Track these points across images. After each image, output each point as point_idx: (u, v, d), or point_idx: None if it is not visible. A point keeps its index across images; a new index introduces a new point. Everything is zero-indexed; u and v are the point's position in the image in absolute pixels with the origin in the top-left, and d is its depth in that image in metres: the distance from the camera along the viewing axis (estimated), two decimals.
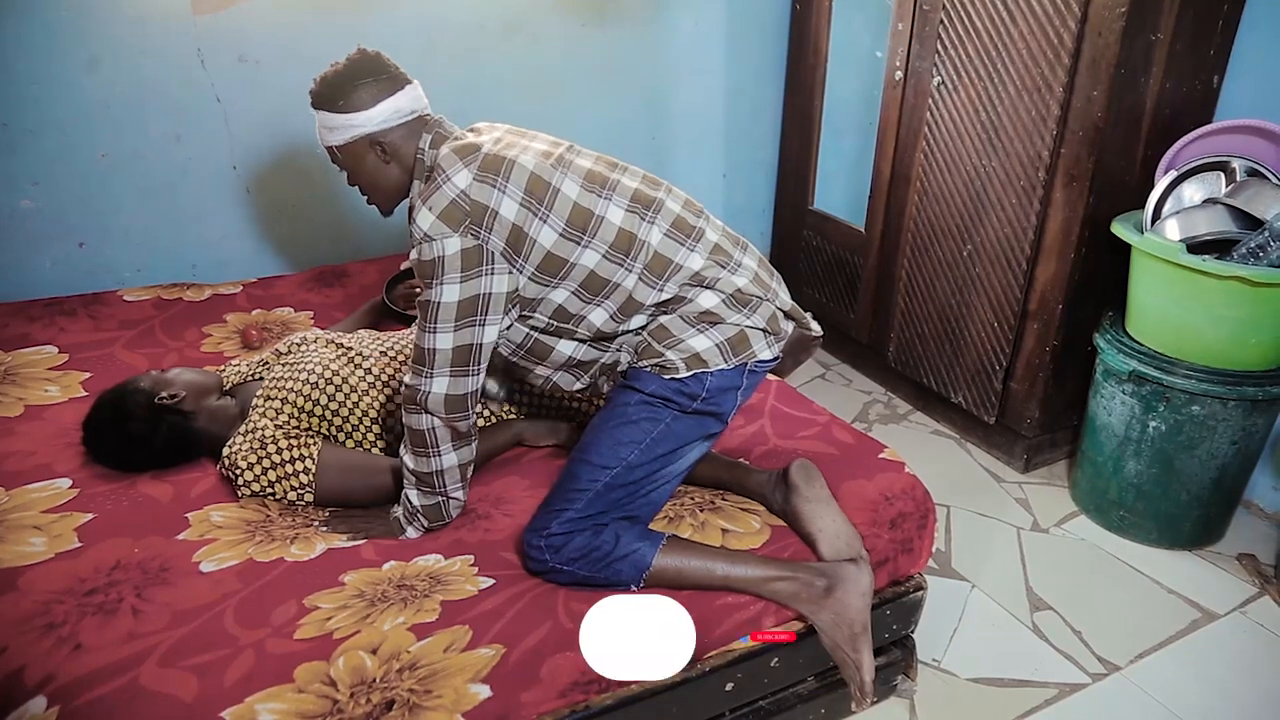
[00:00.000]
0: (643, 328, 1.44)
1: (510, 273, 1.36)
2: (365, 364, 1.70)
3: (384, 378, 1.69)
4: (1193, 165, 2.00)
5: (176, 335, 2.09)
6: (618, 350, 1.48)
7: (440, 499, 1.47)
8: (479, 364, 1.39)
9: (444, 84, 2.48)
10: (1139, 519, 2.13)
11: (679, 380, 1.39)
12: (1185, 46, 2.01)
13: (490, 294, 1.35)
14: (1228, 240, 1.89)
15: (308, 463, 1.54)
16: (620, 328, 1.44)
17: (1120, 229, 2.00)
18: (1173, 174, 2.01)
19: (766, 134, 3.10)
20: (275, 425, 1.58)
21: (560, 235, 1.37)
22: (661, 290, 1.40)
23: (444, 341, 1.35)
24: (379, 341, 1.78)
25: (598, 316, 1.42)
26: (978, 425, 2.53)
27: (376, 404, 1.67)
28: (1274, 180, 1.92)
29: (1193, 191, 2.02)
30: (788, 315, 1.51)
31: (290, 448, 1.55)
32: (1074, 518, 2.25)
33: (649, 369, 1.41)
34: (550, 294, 1.40)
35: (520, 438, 1.75)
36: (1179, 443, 2.00)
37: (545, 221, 1.36)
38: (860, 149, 2.80)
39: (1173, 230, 1.94)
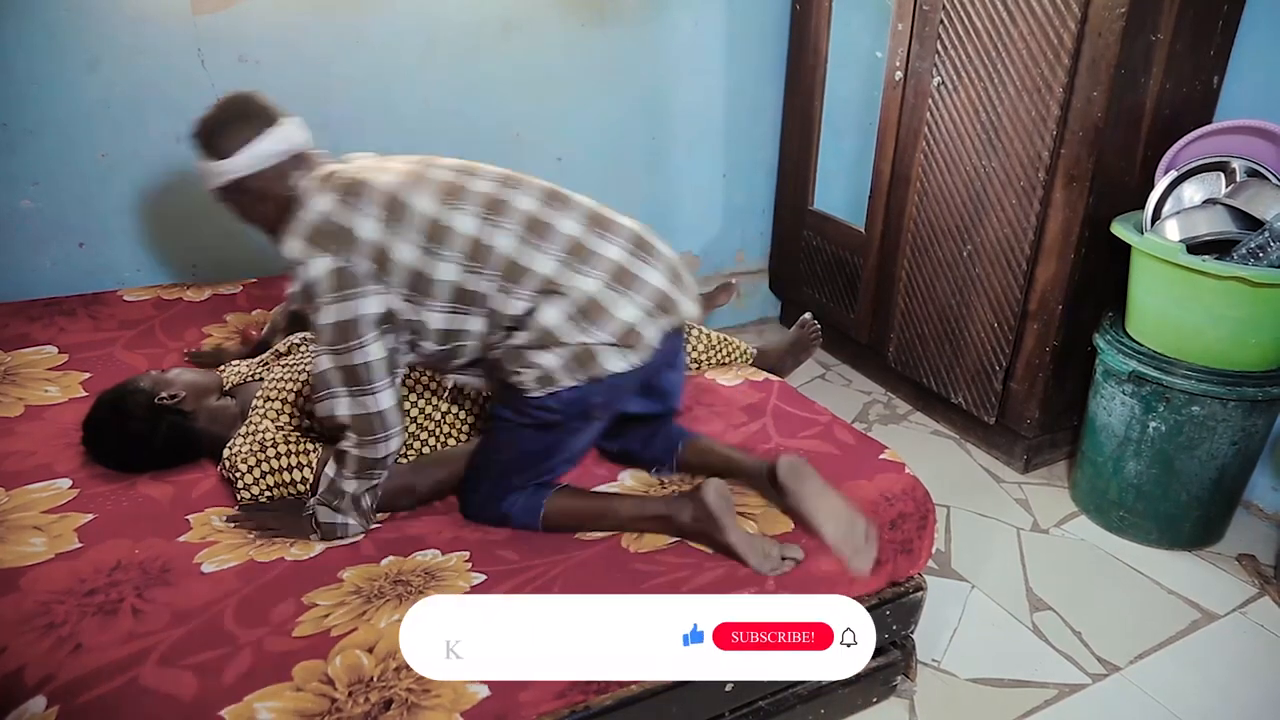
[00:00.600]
0: (506, 342, 1.41)
1: (383, 293, 1.36)
2: None
3: None
4: (1193, 166, 2.00)
5: (176, 335, 2.09)
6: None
7: (339, 521, 1.45)
8: (374, 382, 1.37)
9: (443, 84, 2.50)
10: (1139, 519, 2.13)
11: (535, 398, 1.40)
12: (1185, 47, 2.01)
13: (364, 315, 1.34)
14: (1228, 240, 1.89)
15: (305, 471, 1.54)
16: (497, 341, 1.42)
17: (1120, 229, 2.00)
18: (1173, 174, 2.01)
19: (766, 134, 3.10)
20: (275, 427, 1.58)
21: (421, 250, 1.36)
22: (519, 299, 1.37)
23: (327, 363, 1.37)
24: None
25: (475, 330, 1.41)
26: (978, 425, 2.53)
27: None
28: (1274, 181, 1.92)
29: (1193, 192, 2.02)
30: (662, 305, 1.43)
31: (289, 453, 1.55)
32: (1074, 518, 2.25)
33: (510, 383, 1.42)
34: (427, 315, 1.39)
35: None
36: (1179, 443, 2.00)
37: (404, 239, 1.36)
38: (860, 149, 2.80)
39: (1173, 231, 1.94)
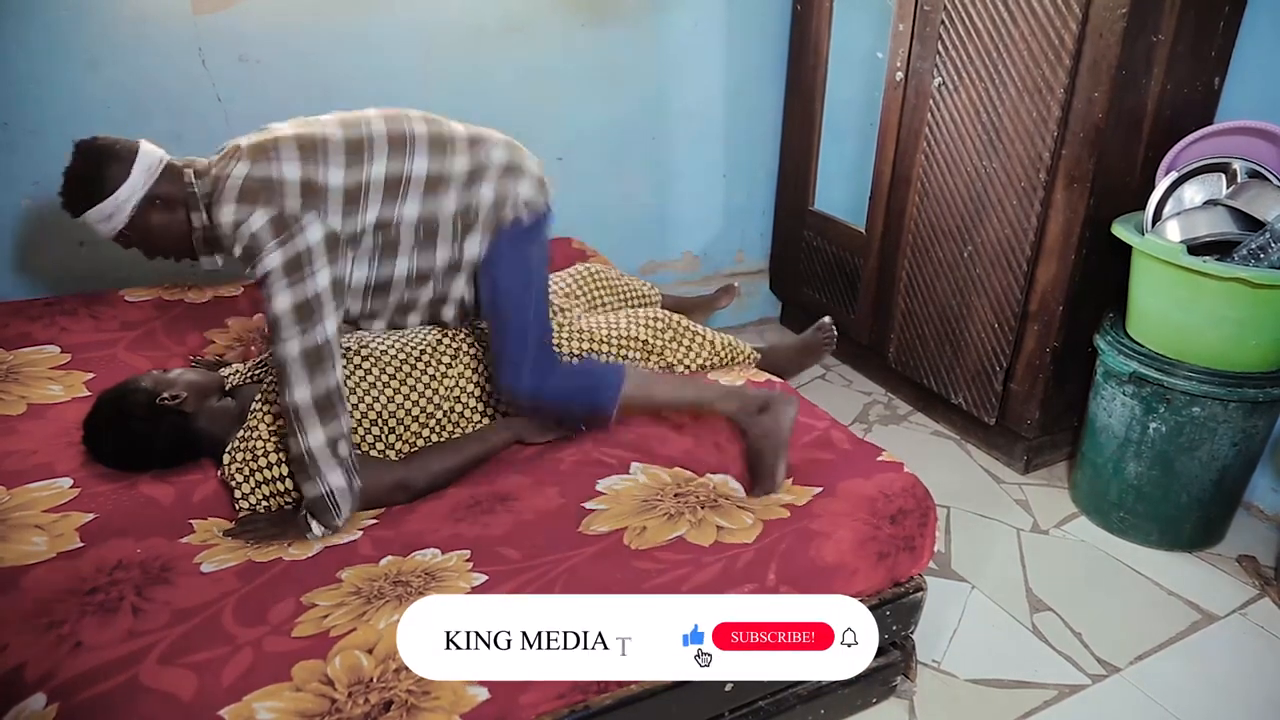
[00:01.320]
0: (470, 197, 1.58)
1: (318, 220, 1.45)
2: (364, 365, 1.70)
3: (383, 379, 1.69)
4: (1193, 167, 2.00)
5: (178, 337, 2.09)
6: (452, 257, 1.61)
7: (324, 489, 1.45)
8: (324, 310, 1.44)
9: (443, 84, 2.50)
10: (1139, 520, 2.13)
11: (521, 223, 1.61)
12: (1186, 48, 2.01)
13: (310, 245, 1.42)
14: (1228, 242, 1.89)
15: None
16: (438, 210, 1.56)
17: (1121, 230, 2.00)
18: (1173, 175, 2.01)
19: (767, 134, 3.10)
20: (270, 432, 1.58)
21: (345, 167, 1.48)
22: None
23: (283, 303, 1.41)
24: (379, 342, 1.78)
25: (410, 211, 1.54)
26: (978, 426, 2.53)
27: (376, 405, 1.67)
28: (1275, 182, 1.92)
29: (1193, 193, 2.02)
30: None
31: (280, 461, 1.55)
32: (1074, 519, 2.25)
33: (498, 228, 1.59)
34: (364, 216, 1.50)
35: (519, 437, 1.75)
36: (1179, 444, 1.99)
37: (328, 164, 1.47)
38: (861, 150, 2.80)
39: (1173, 232, 1.94)
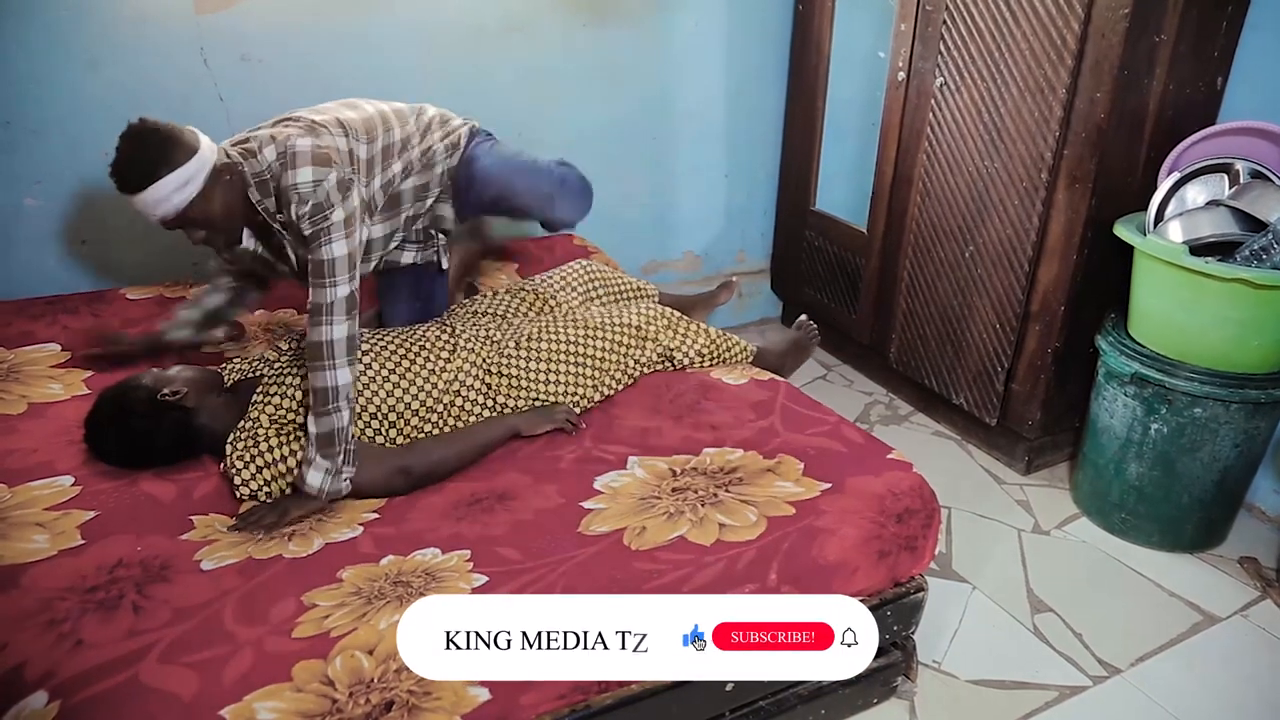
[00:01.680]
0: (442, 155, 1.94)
1: (358, 185, 1.66)
2: (364, 360, 1.72)
3: (383, 373, 1.72)
4: (1196, 167, 2.00)
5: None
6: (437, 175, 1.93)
7: (335, 451, 1.54)
8: (357, 269, 1.62)
9: (444, 84, 2.50)
10: (1140, 521, 2.13)
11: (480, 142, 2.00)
12: (1189, 48, 2.00)
13: (355, 208, 1.61)
14: (1231, 242, 1.89)
15: (298, 457, 1.56)
16: (412, 159, 1.88)
17: (1123, 231, 2.00)
18: (1176, 176, 2.01)
19: (768, 134, 3.10)
20: (270, 419, 1.60)
21: (368, 142, 1.76)
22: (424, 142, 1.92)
23: (341, 250, 1.57)
24: (379, 337, 1.81)
25: (396, 169, 1.85)
26: (979, 427, 2.53)
27: (376, 399, 1.69)
28: (1277, 182, 1.92)
29: (1196, 193, 2.02)
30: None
31: (281, 443, 1.57)
32: (1075, 520, 2.25)
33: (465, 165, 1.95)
34: (377, 180, 1.79)
35: (515, 430, 1.76)
36: (1181, 445, 1.99)
37: (358, 140, 1.73)
38: (862, 150, 2.80)
39: (1175, 232, 1.94)
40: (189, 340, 1.97)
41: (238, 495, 1.56)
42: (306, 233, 1.57)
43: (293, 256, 1.74)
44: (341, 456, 1.54)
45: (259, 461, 1.55)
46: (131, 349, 1.94)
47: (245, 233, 1.71)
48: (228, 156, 1.60)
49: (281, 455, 1.57)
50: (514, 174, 1.97)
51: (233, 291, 1.97)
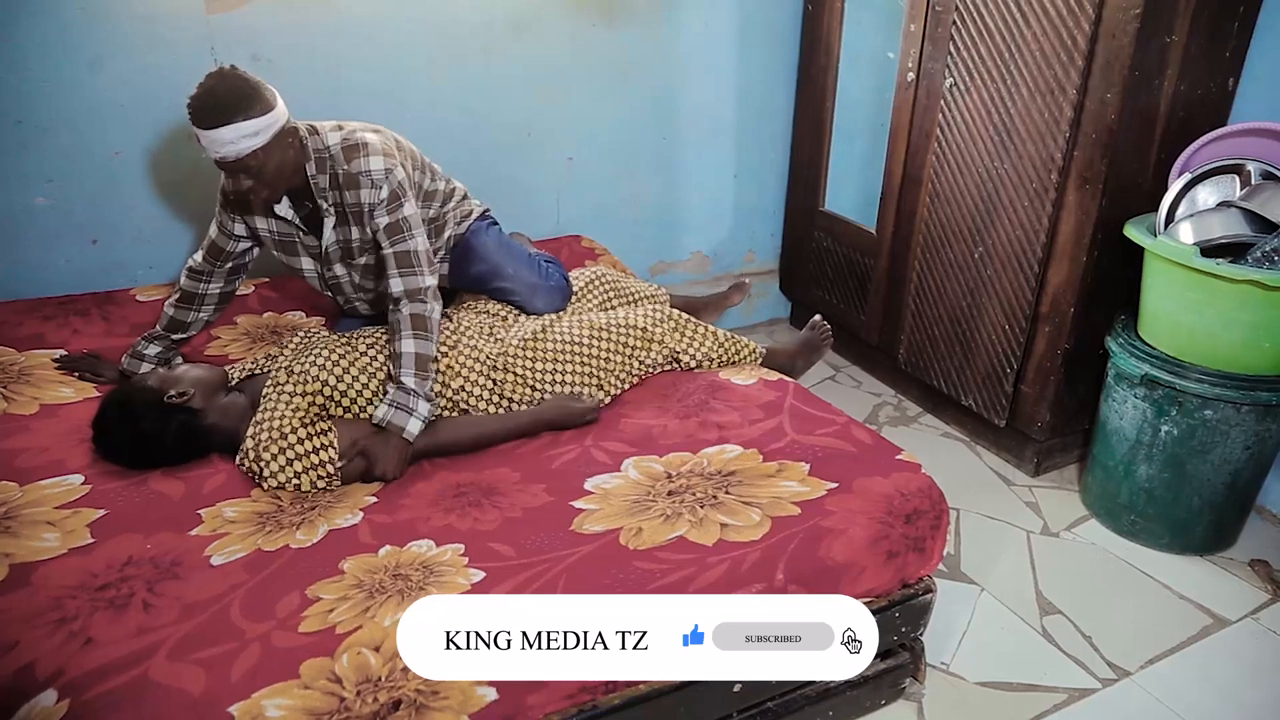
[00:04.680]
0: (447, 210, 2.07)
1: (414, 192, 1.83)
2: (369, 353, 1.75)
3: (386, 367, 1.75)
4: (1207, 168, 1.99)
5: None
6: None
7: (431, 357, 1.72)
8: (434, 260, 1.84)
9: (454, 83, 2.50)
10: (1150, 524, 2.12)
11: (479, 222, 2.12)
12: (1200, 49, 1.99)
13: (417, 210, 1.81)
14: (1242, 244, 1.88)
15: (330, 451, 1.59)
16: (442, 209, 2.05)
17: (1133, 232, 1.99)
18: (1187, 177, 2.00)
19: (777, 134, 3.10)
20: (290, 410, 1.61)
21: (413, 168, 1.89)
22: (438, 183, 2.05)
23: (423, 244, 1.77)
24: (376, 334, 1.83)
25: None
26: (988, 428, 2.52)
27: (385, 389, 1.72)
28: None
29: (1207, 194, 2.01)
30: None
31: (310, 435, 1.59)
32: (1084, 522, 2.24)
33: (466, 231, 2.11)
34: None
35: (548, 423, 1.81)
36: (1191, 447, 1.98)
37: (405, 161, 1.85)
38: (871, 150, 2.79)
39: (1186, 233, 1.93)
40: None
41: (265, 486, 1.58)
42: (384, 223, 1.73)
43: (328, 234, 1.80)
44: (430, 383, 1.69)
45: (289, 454, 1.57)
46: (111, 380, 1.93)
47: (284, 201, 1.77)
48: (292, 124, 1.67)
49: (312, 448, 1.59)
50: (508, 258, 2.09)
51: (166, 343, 1.95)
